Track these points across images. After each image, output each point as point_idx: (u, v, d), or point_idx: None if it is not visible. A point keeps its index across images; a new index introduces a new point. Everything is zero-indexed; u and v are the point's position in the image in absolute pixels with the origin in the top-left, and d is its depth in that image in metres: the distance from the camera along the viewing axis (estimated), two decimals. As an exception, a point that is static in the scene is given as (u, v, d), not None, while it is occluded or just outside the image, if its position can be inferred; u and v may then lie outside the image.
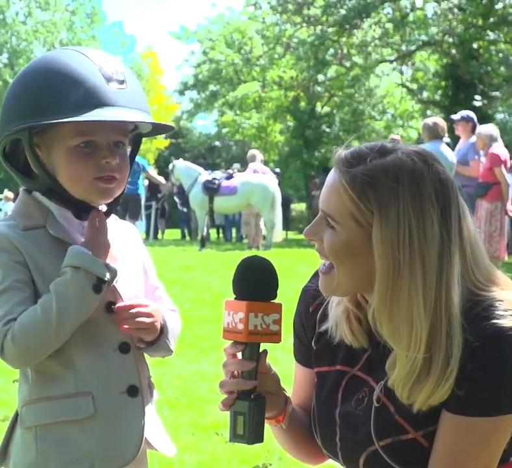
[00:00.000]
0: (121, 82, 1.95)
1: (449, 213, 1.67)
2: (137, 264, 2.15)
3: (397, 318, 1.64)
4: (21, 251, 1.93)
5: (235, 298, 1.74)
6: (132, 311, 1.97)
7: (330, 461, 2.05)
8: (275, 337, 1.73)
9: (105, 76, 1.93)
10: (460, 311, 1.66)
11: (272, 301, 1.73)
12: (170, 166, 17.21)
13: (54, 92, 1.90)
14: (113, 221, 2.12)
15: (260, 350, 1.75)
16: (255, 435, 1.72)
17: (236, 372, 1.75)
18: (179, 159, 18.21)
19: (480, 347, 1.63)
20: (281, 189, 16.87)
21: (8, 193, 22.69)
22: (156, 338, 2.05)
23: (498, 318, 1.64)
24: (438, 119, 10.30)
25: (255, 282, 1.72)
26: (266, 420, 1.84)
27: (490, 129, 10.24)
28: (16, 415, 2.03)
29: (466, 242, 1.70)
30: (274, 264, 1.79)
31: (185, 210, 19.73)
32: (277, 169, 22.00)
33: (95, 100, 1.90)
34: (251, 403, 1.72)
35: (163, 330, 2.05)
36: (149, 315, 1.99)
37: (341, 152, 1.72)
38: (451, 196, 1.68)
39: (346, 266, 1.70)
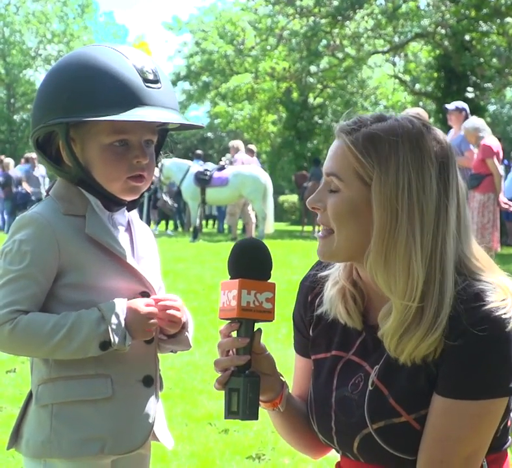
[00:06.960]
0: (156, 81, 2.01)
1: (447, 171, 1.72)
2: (157, 261, 2.20)
3: (394, 267, 1.68)
4: (57, 239, 1.97)
5: (230, 278, 1.76)
6: (162, 302, 2.03)
7: (329, 455, 2.06)
8: (269, 314, 1.75)
9: (142, 75, 1.99)
10: (454, 271, 1.70)
11: (266, 280, 1.76)
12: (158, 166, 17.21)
13: (92, 89, 1.96)
14: (137, 219, 2.20)
15: (255, 330, 1.77)
16: (248, 411, 1.73)
17: (231, 352, 1.77)
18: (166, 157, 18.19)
19: (471, 331, 1.65)
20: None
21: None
22: (178, 332, 2.09)
23: (489, 303, 1.66)
24: (420, 110, 10.26)
25: (248, 261, 1.75)
26: (263, 404, 1.87)
27: (473, 121, 10.19)
28: (29, 396, 2.06)
29: (461, 202, 1.75)
30: None
31: (175, 205, 19.72)
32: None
33: (132, 99, 1.96)
34: (245, 380, 1.73)
35: (184, 325, 2.09)
36: (178, 309, 2.05)
37: (342, 122, 1.78)
38: (449, 154, 1.73)
39: (348, 228, 1.73)
